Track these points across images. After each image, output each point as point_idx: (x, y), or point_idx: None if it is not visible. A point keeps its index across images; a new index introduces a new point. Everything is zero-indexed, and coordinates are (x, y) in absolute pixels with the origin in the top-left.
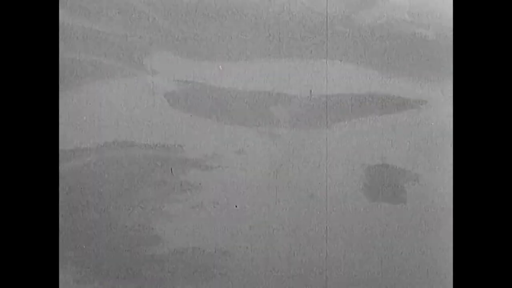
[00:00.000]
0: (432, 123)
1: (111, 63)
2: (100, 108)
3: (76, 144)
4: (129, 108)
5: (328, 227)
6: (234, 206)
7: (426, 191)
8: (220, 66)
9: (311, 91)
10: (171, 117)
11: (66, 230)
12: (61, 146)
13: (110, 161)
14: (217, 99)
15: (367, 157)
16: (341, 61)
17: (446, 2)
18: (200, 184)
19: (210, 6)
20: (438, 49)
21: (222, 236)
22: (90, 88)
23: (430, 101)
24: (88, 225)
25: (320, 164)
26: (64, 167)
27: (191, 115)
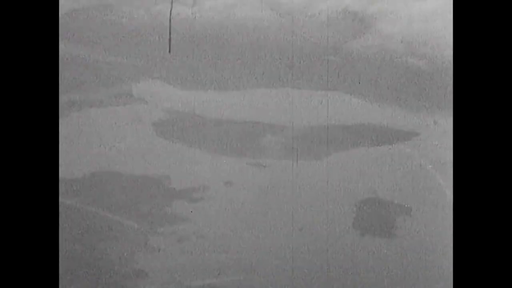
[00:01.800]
0: (425, 155)
1: (100, 91)
2: (87, 138)
3: (63, 175)
4: (117, 137)
5: (318, 260)
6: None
7: (417, 225)
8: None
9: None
10: (158, 147)
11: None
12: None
13: (96, 192)
14: (204, 128)
15: (357, 190)
16: (330, 91)
17: (440, 33)
18: (186, 217)
19: (201, 35)
20: (431, 80)
21: (209, 270)
22: (77, 117)
23: (422, 133)
24: (71, 259)
25: (309, 196)
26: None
27: (178, 145)
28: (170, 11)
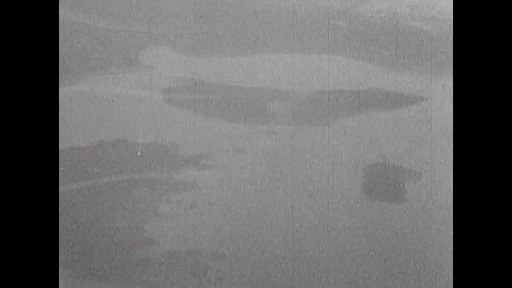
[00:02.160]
0: (434, 120)
1: (105, 59)
2: (94, 106)
3: (70, 143)
4: (123, 105)
5: (328, 227)
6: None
7: (427, 190)
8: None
9: None
10: (166, 115)
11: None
12: None
13: (104, 160)
14: (213, 95)
15: (366, 155)
16: (338, 55)
17: None
18: (195, 184)
19: (207, 2)
20: (439, 44)
21: (218, 238)
22: (83, 85)
23: (431, 97)
24: (79, 227)
25: (319, 162)
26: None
27: (186, 112)
28: None
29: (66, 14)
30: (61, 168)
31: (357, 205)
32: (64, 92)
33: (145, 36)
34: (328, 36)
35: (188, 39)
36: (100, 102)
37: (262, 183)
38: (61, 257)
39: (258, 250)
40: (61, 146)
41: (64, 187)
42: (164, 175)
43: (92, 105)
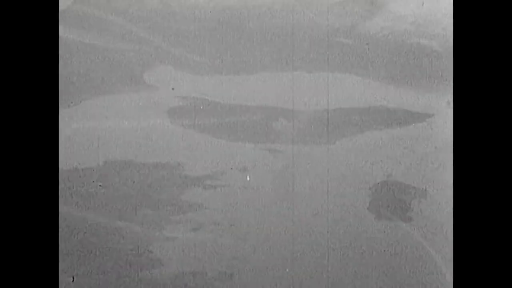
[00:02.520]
0: (438, 137)
1: (111, 79)
2: (99, 126)
3: (75, 164)
4: (129, 125)
5: (331, 247)
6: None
7: (433, 208)
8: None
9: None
10: (172, 134)
11: (62, 253)
12: (60, 165)
13: (110, 181)
14: (217, 115)
15: (371, 173)
16: (345, 73)
17: (449, 13)
18: (200, 204)
19: (212, 20)
20: (442, 60)
21: (225, 258)
22: (89, 105)
23: (436, 114)
24: (86, 248)
25: (323, 181)
26: (63, 187)
27: (191, 131)
28: None
29: (69, 32)
30: (62, 188)
31: (358, 227)
32: (69, 112)
33: (150, 56)
34: (331, 54)
35: (192, 59)
36: (105, 122)
37: (268, 202)
38: (64, 278)
39: (263, 271)
40: (66, 167)
41: (68, 208)
42: (170, 196)
43: (96, 126)
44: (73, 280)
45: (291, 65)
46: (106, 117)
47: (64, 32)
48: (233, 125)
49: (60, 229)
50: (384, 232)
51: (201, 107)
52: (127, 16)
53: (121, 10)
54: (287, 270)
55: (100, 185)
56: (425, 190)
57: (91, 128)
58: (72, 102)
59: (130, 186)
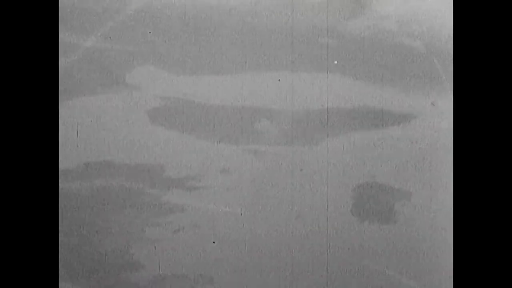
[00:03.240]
0: (424, 138)
1: (91, 78)
2: (79, 127)
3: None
4: (110, 125)
5: (316, 249)
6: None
7: (417, 211)
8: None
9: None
10: (152, 135)
11: None
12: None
13: (89, 182)
14: (200, 115)
15: (356, 175)
16: (327, 73)
17: (436, 13)
18: (182, 206)
19: (195, 18)
20: (427, 60)
21: (205, 262)
22: (69, 105)
23: (420, 115)
24: (64, 251)
25: (307, 183)
26: None
27: (173, 132)
28: None
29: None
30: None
31: (344, 227)
32: None
33: (131, 55)
34: (314, 54)
35: (175, 58)
36: (86, 123)
37: (250, 204)
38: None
39: (245, 274)
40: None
41: None
42: (150, 198)
43: (77, 126)
44: None
45: (274, 65)
46: (87, 117)
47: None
48: (215, 126)
49: None
50: (368, 234)
51: (183, 108)
52: (108, 15)
53: (101, 9)
54: (270, 273)
55: (80, 180)
56: (409, 192)
57: (71, 128)
58: None
59: (110, 187)
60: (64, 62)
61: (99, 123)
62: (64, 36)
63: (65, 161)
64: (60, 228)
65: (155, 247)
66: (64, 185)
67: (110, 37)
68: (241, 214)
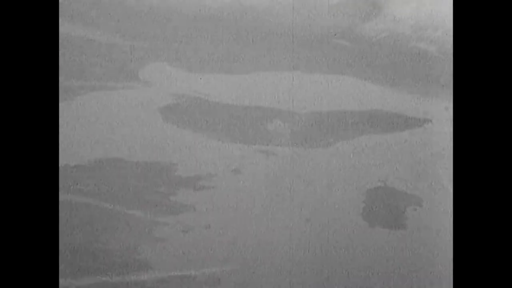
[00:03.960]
0: (436, 143)
1: (105, 75)
2: (91, 123)
3: (65, 161)
4: (122, 122)
5: (326, 252)
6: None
7: (428, 216)
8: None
9: None
10: (164, 133)
11: None
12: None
13: (100, 179)
14: (212, 114)
15: (367, 179)
16: (341, 75)
17: (449, 17)
18: (192, 206)
19: (208, 17)
20: (441, 65)
21: (215, 262)
22: (81, 101)
23: (433, 119)
24: (72, 249)
25: (318, 185)
26: None
27: (184, 131)
28: None
29: (62, 27)
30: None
31: (354, 231)
32: (62, 108)
33: (145, 52)
34: (329, 56)
35: (188, 56)
36: (98, 119)
37: (260, 206)
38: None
39: (254, 275)
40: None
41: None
42: (160, 197)
43: (89, 123)
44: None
45: (288, 65)
46: (99, 113)
47: (62, 25)
48: (227, 125)
49: None
50: (378, 238)
51: (196, 106)
52: (122, 11)
53: (116, 5)
54: (279, 275)
55: (92, 178)
56: (421, 197)
57: (83, 125)
58: (64, 98)
59: (121, 185)
60: (73, 56)
61: (110, 119)
62: (75, 30)
63: (75, 157)
64: (67, 226)
65: (163, 246)
66: (72, 181)
67: (123, 33)
68: (251, 215)
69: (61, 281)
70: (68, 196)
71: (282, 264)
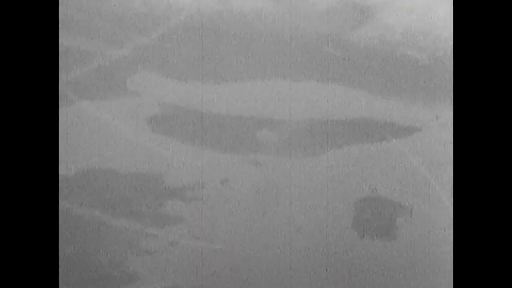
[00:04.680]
0: (427, 152)
1: (93, 84)
2: (79, 133)
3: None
4: (109, 132)
5: (316, 262)
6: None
7: (419, 227)
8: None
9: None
10: (152, 143)
11: None
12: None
13: (87, 190)
14: (200, 123)
15: (357, 188)
16: (328, 83)
17: (440, 24)
18: (179, 217)
19: (197, 26)
20: (432, 73)
21: (202, 275)
22: (68, 112)
23: (424, 128)
24: (60, 261)
25: (308, 194)
26: None
27: (173, 141)
28: None
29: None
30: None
31: (344, 241)
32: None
33: (133, 61)
34: (317, 63)
35: (177, 65)
36: (85, 129)
37: (250, 216)
38: None
39: (247, 286)
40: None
41: None
42: (147, 208)
43: (75, 133)
44: None
45: (276, 74)
46: (86, 123)
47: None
48: (216, 135)
49: None
50: (368, 250)
51: (184, 116)
52: (109, 19)
53: (103, 14)
54: (268, 287)
55: (79, 189)
56: (411, 207)
57: (69, 134)
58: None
59: (108, 196)
60: (64, 67)
61: (97, 129)
62: (66, 41)
63: (62, 168)
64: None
65: (151, 258)
66: (61, 192)
67: (110, 42)
68: (240, 226)
69: None
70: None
71: (273, 275)
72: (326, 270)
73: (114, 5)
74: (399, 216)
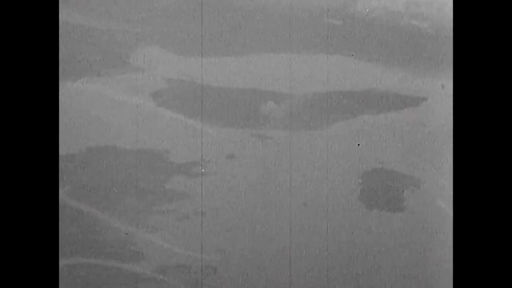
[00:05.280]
0: (433, 122)
1: (95, 60)
2: (82, 110)
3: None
4: (114, 109)
5: (323, 237)
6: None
7: (426, 198)
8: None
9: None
10: (157, 119)
11: None
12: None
13: (91, 168)
14: (205, 98)
15: (363, 161)
16: (339, 54)
17: None
18: (186, 193)
19: (198, 1)
20: (436, 42)
21: (210, 251)
22: (72, 88)
23: (429, 97)
24: (64, 240)
25: (315, 168)
26: None
27: (177, 116)
28: None
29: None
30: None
31: (352, 213)
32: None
33: (136, 36)
34: (319, 35)
35: (179, 39)
36: (88, 106)
37: (256, 191)
38: None
39: (252, 264)
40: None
41: None
42: (154, 184)
43: (80, 110)
44: None
45: (281, 46)
46: (89, 100)
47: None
48: (221, 109)
49: None
50: (376, 220)
51: (188, 90)
52: None
53: None
54: (274, 262)
55: (83, 168)
56: (419, 178)
57: (73, 112)
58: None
59: (113, 173)
60: (67, 43)
61: (101, 105)
62: (68, 17)
63: (66, 146)
64: (60, 217)
65: (157, 235)
66: (65, 170)
67: (112, 18)
68: (247, 201)
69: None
70: (60, 185)
71: (280, 249)
72: (333, 242)
73: None
74: (406, 188)
